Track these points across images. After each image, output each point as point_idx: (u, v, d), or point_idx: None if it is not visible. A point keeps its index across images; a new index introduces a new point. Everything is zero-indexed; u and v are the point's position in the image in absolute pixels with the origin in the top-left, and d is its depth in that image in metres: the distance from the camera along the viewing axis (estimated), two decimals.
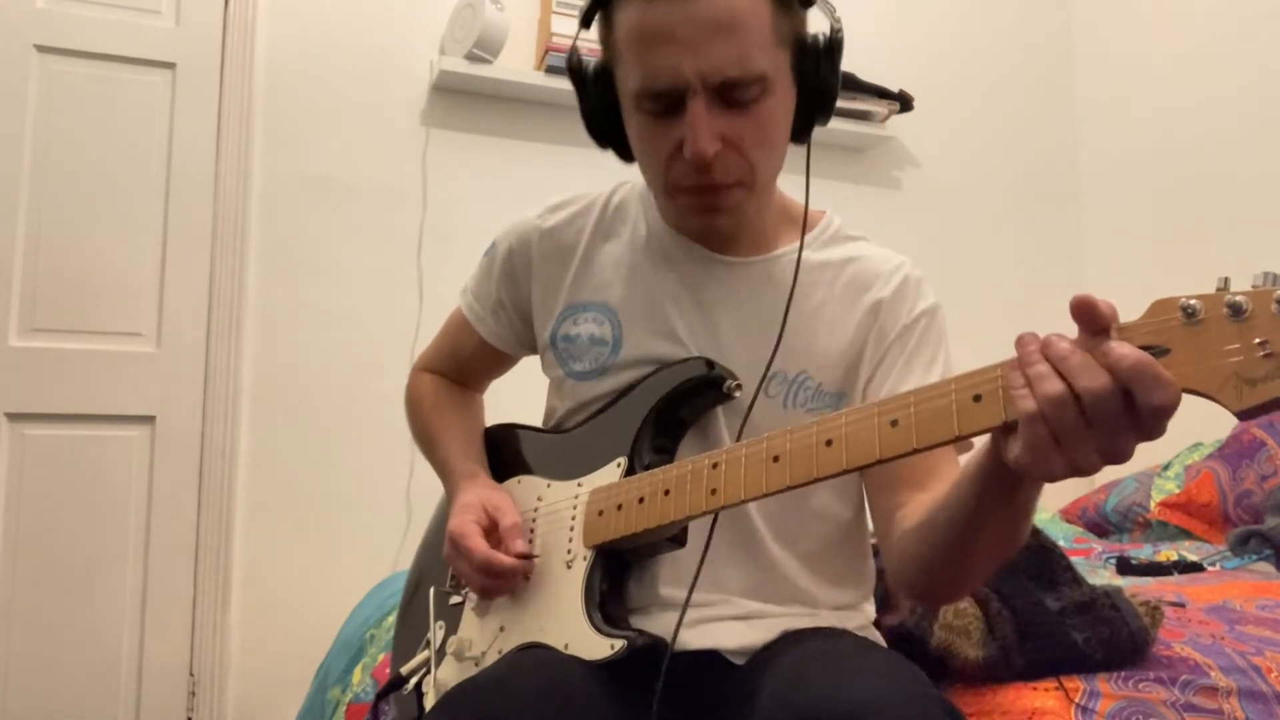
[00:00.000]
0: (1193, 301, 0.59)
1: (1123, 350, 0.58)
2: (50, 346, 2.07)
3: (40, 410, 2.05)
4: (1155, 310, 0.61)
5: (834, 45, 0.91)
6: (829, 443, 0.75)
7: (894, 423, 0.71)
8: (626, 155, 0.97)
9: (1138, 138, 2.89)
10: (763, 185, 0.94)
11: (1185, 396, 0.59)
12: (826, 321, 0.97)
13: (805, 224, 0.99)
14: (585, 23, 0.92)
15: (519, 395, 1.24)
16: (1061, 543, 1.95)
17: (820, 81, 0.91)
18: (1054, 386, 0.59)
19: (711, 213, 0.93)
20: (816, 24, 0.94)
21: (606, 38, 0.91)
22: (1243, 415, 0.58)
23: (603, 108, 0.94)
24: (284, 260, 2.24)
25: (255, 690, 2.14)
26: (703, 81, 0.85)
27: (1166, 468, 2.22)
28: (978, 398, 0.66)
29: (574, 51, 0.95)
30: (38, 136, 2.09)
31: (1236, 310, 0.58)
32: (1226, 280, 0.59)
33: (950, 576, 0.82)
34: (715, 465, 0.83)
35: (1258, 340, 0.57)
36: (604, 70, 0.93)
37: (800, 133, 0.94)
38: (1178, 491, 2.10)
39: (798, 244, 0.98)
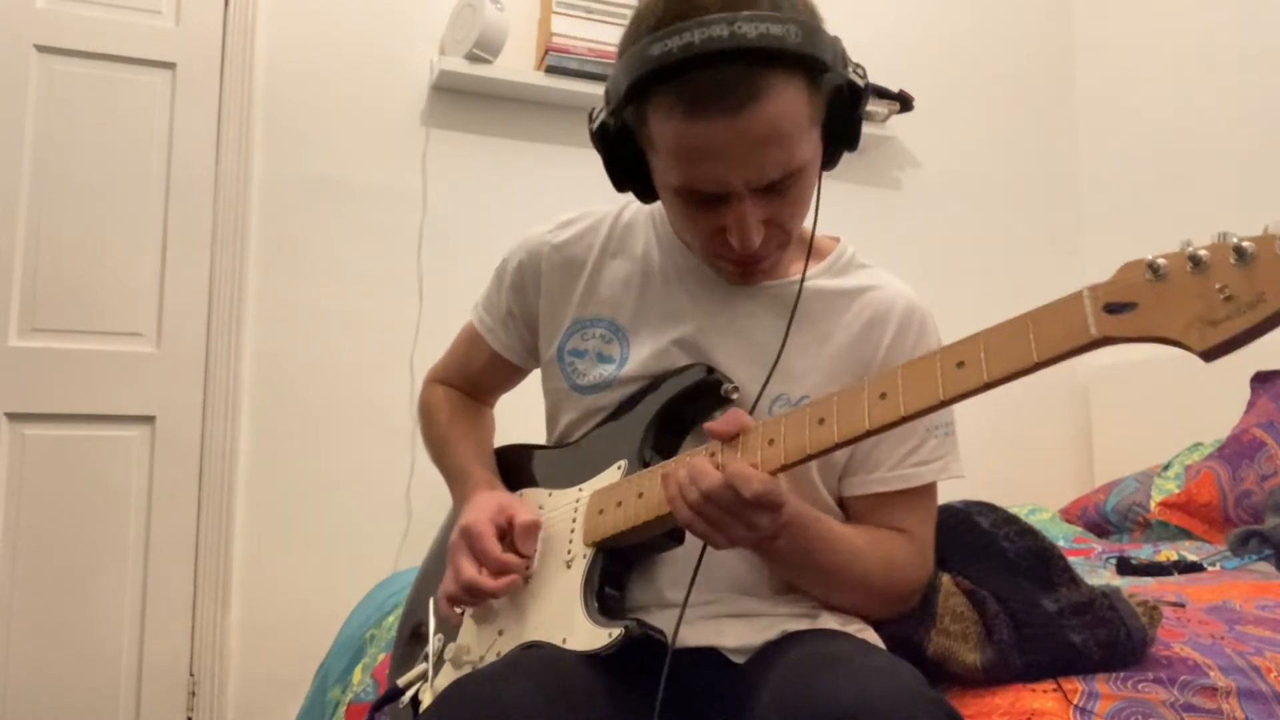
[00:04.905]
0: (1159, 260, 0.63)
1: (732, 465, 0.78)
2: (50, 346, 2.07)
3: (40, 410, 2.05)
4: (1125, 270, 0.66)
5: (858, 95, 0.90)
6: (821, 420, 0.78)
7: (882, 395, 0.75)
8: (646, 197, 0.97)
9: (1138, 136, 2.89)
10: (795, 236, 0.97)
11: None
12: (833, 348, 0.99)
13: (810, 253, 1.00)
14: (614, 113, 0.90)
15: (525, 413, 1.24)
16: (1061, 543, 1.95)
17: (848, 128, 0.92)
18: (685, 504, 0.80)
19: (753, 275, 0.98)
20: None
21: (638, 124, 0.90)
22: (1207, 355, 0.61)
23: (629, 165, 0.94)
24: (284, 260, 2.24)
25: (255, 690, 2.14)
26: (748, 186, 0.86)
27: (1166, 468, 2.21)
28: (960, 364, 0.71)
29: (599, 115, 0.93)
30: (38, 136, 2.09)
31: (1197, 262, 0.62)
32: (1189, 242, 0.64)
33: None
34: (712, 455, 0.84)
35: (1218, 286, 0.61)
36: (625, 130, 0.91)
37: (830, 164, 0.95)
38: (1178, 491, 2.09)
39: (809, 271, 1.00)
